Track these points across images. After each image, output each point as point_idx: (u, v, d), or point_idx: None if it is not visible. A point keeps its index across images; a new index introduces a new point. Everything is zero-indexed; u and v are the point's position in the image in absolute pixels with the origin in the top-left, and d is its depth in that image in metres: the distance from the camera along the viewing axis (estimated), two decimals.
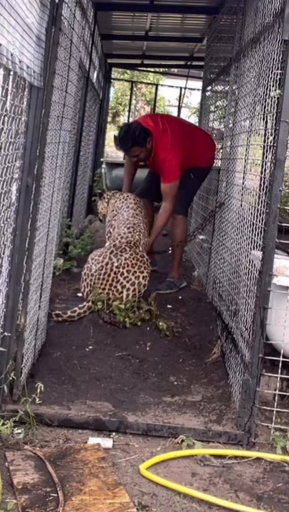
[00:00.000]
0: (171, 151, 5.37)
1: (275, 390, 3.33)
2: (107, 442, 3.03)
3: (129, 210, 5.17)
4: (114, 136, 5.93)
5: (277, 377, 3.27)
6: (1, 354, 3.05)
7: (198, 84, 10.79)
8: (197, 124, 8.04)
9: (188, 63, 10.96)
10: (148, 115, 6.20)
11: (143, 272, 4.68)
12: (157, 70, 15.74)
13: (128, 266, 4.64)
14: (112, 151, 15.82)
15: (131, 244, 4.80)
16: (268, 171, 3.20)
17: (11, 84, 2.70)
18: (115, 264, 4.62)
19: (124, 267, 4.62)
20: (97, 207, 5.78)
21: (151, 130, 5.40)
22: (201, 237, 6.14)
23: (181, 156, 5.42)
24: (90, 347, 4.16)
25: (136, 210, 5.18)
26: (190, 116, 16.84)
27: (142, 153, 5.45)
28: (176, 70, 14.04)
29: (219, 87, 6.29)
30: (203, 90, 7.79)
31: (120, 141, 5.57)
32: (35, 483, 2.61)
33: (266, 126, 3.46)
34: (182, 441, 3.11)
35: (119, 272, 4.60)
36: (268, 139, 3.34)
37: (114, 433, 3.15)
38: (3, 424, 2.96)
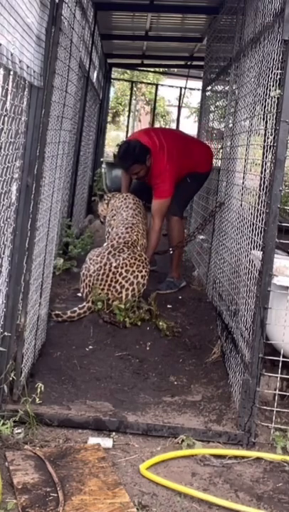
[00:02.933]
0: (166, 168, 5.36)
1: (275, 390, 3.33)
2: (107, 442, 3.03)
3: (128, 210, 5.18)
4: (114, 154, 5.93)
5: (277, 377, 3.27)
6: (1, 354, 3.05)
7: (198, 84, 10.78)
8: (197, 124, 8.05)
9: (188, 63, 10.97)
10: (142, 131, 6.14)
11: (142, 272, 4.68)
12: (157, 70, 15.74)
13: (126, 266, 4.63)
14: (112, 151, 15.82)
15: (129, 245, 4.80)
16: (267, 171, 3.20)
17: (11, 84, 2.70)
18: (114, 264, 4.62)
19: (122, 267, 4.62)
20: (97, 208, 5.79)
21: (149, 147, 5.39)
22: (201, 237, 6.14)
23: (176, 173, 5.41)
24: (90, 347, 4.16)
25: (135, 210, 5.18)
26: (189, 116, 16.87)
27: (142, 171, 5.42)
28: (176, 70, 14.04)
29: (219, 87, 6.29)
30: (203, 90, 7.79)
31: (121, 159, 5.54)
32: (35, 483, 2.61)
33: (266, 126, 3.46)
34: (182, 441, 3.11)
35: (117, 272, 4.60)
36: (267, 138, 3.34)
37: (114, 433, 3.15)
38: (3, 424, 2.96)
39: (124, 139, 6.02)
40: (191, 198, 6.07)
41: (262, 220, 3.19)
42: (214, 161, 5.85)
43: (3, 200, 2.79)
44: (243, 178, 4.17)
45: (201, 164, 5.69)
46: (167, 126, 19.22)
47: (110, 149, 15.55)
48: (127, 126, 15.58)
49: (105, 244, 4.97)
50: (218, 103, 6.38)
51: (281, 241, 3.19)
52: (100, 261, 4.65)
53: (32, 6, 2.76)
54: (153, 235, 5.33)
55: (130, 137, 6.18)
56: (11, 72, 2.63)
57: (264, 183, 3.28)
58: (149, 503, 2.60)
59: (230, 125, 4.99)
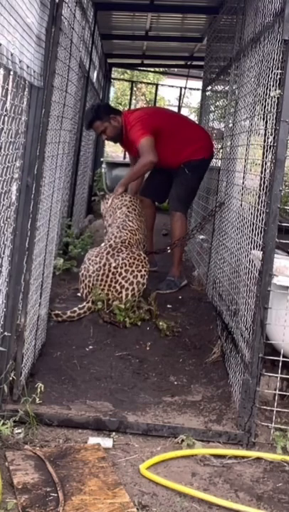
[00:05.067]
0: (142, 117, 5.34)
1: (275, 389, 3.33)
2: (107, 442, 3.03)
3: (122, 208, 5.20)
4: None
5: (277, 377, 3.27)
6: (1, 354, 3.05)
7: (198, 84, 10.79)
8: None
9: (189, 63, 10.97)
10: None
11: (141, 271, 4.68)
12: (157, 69, 15.74)
13: (126, 266, 4.63)
14: (112, 151, 15.83)
15: (126, 244, 4.81)
16: (268, 170, 3.20)
17: (11, 84, 2.70)
18: (113, 264, 4.62)
19: (122, 267, 4.62)
20: (100, 208, 5.79)
21: (120, 111, 5.43)
22: (201, 236, 6.13)
23: (154, 126, 5.33)
24: (90, 347, 4.16)
25: (129, 208, 5.19)
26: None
27: (108, 130, 5.41)
28: (176, 70, 14.05)
29: (219, 87, 6.29)
30: (203, 90, 7.79)
31: (84, 117, 5.61)
32: (35, 483, 2.61)
33: (266, 126, 3.46)
34: (182, 441, 3.11)
35: (117, 272, 4.60)
36: (268, 138, 3.34)
37: (114, 433, 3.15)
38: (3, 424, 2.96)
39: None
40: (193, 194, 5.91)
41: (262, 220, 3.19)
42: (214, 160, 5.83)
43: (3, 200, 2.79)
44: (243, 178, 4.17)
45: (198, 148, 5.57)
46: None
47: (110, 149, 15.57)
48: None
49: (103, 244, 4.96)
50: (218, 103, 6.38)
51: (281, 241, 3.18)
52: (98, 261, 4.65)
53: (32, 6, 2.76)
54: (140, 162, 5.25)
55: None
56: (11, 72, 2.63)
57: (264, 183, 3.28)
58: (149, 503, 2.60)
59: (230, 125, 4.99)
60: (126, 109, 17.12)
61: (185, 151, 5.49)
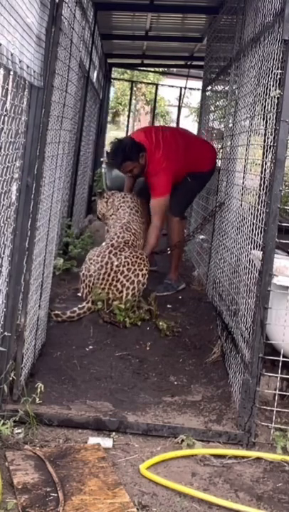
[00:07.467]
0: (162, 166, 5.29)
1: (275, 389, 3.33)
2: (107, 442, 3.03)
3: (125, 209, 5.20)
4: (106, 152, 5.88)
5: (277, 377, 3.27)
6: (1, 354, 3.05)
7: (198, 84, 10.78)
8: (197, 124, 8.03)
9: (189, 63, 10.97)
10: (141, 129, 6.08)
11: (142, 270, 4.69)
12: (157, 69, 15.74)
13: (128, 264, 4.64)
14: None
15: (129, 244, 4.81)
16: (268, 170, 3.20)
17: (11, 84, 2.70)
18: (115, 263, 4.63)
19: (124, 266, 4.63)
20: (96, 206, 5.79)
21: (144, 145, 5.33)
22: (201, 236, 6.13)
23: (173, 170, 5.33)
24: (90, 347, 4.16)
25: (132, 209, 5.19)
26: (189, 116, 16.87)
27: (136, 169, 5.36)
28: (175, 70, 14.04)
29: (219, 87, 6.29)
30: (203, 90, 7.79)
31: (112, 157, 5.48)
32: (35, 483, 2.61)
33: (266, 126, 3.46)
34: (182, 441, 3.11)
35: (119, 270, 4.61)
36: (267, 138, 3.34)
37: (114, 433, 3.15)
38: (3, 424, 2.96)
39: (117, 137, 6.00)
40: (192, 199, 5.96)
41: (262, 220, 3.19)
42: (213, 166, 5.80)
43: (3, 200, 2.79)
44: (243, 178, 4.17)
45: (203, 163, 5.61)
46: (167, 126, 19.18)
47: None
48: (127, 126, 15.57)
49: (104, 243, 4.96)
50: (218, 103, 6.38)
51: (281, 241, 3.19)
52: (100, 260, 4.66)
53: (32, 6, 2.76)
54: (152, 233, 5.27)
55: (128, 135, 6.16)
56: (11, 72, 2.63)
57: (264, 183, 3.28)
58: (149, 503, 2.60)
59: (230, 125, 4.99)
60: (126, 109, 17.11)
61: (191, 167, 5.51)
